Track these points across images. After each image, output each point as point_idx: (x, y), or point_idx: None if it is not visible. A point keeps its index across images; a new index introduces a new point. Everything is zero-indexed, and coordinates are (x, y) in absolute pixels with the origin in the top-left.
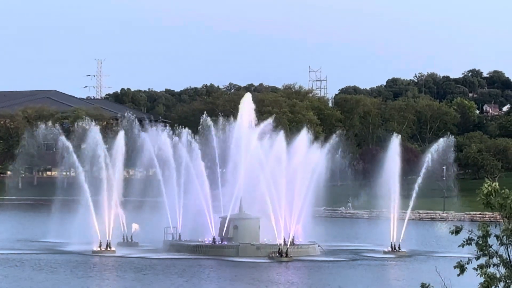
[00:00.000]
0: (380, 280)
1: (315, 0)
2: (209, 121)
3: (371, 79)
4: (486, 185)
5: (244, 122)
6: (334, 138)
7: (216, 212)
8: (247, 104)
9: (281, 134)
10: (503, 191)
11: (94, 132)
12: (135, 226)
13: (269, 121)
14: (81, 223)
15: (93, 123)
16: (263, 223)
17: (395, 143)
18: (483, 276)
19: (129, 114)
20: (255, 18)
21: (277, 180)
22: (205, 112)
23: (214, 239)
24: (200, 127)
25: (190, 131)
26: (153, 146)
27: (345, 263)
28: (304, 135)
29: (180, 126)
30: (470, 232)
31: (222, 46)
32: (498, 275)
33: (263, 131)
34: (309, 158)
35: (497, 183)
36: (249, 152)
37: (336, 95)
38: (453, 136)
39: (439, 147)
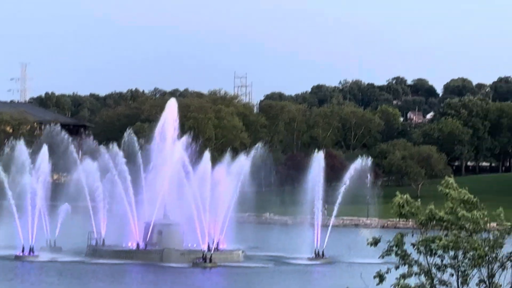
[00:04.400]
0: (304, 285)
1: (241, 3)
2: (132, 133)
3: (296, 85)
4: (398, 197)
5: (168, 129)
6: (258, 146)
7: (140, 217)
8: (171, 111)
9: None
10: (413, 202)
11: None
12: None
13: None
14: (4, 228)
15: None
16: (187, 229)
17: (319, 157)
18: (396, 287)
19: (53, 125)
20: (181, 23)
21: (202, 189)
22: (129, 125)
23: (138, 244)
24: (124, 138)
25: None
26: (77, 152)
27: (270, 269)
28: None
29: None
30: (389, 243)
31: (148, 50)
32: (412, 286)
33: (186, 143)
34: (233, 169)
35: (408, 195)
36: (173, 160)
37: (261, 101)
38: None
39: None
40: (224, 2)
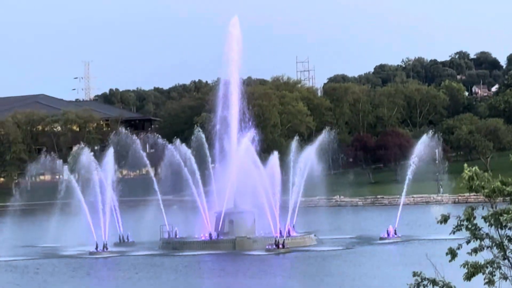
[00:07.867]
0: (376, 265)
1: None
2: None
3: (358, 66)
4: (466, 171)
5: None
6: (325, 132)
7: (210, 208)
8: (235, 35)
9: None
10: (482, 174)
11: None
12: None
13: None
14: (77, 226)
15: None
16: (258, 216)
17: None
18: (466, 266)
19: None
20: (240, 11)
21: (270, 175)
22: (194, 116)
23: (210, 234)
24: (193, 136)
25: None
26: (144, 146)
27: (343, 251)
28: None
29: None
30: (458, 218)
31: (208, 40)
32: (482, 262)
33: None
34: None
35: (476, 167)
36: (240, 149)
37: (324, 84)
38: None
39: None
40: None
